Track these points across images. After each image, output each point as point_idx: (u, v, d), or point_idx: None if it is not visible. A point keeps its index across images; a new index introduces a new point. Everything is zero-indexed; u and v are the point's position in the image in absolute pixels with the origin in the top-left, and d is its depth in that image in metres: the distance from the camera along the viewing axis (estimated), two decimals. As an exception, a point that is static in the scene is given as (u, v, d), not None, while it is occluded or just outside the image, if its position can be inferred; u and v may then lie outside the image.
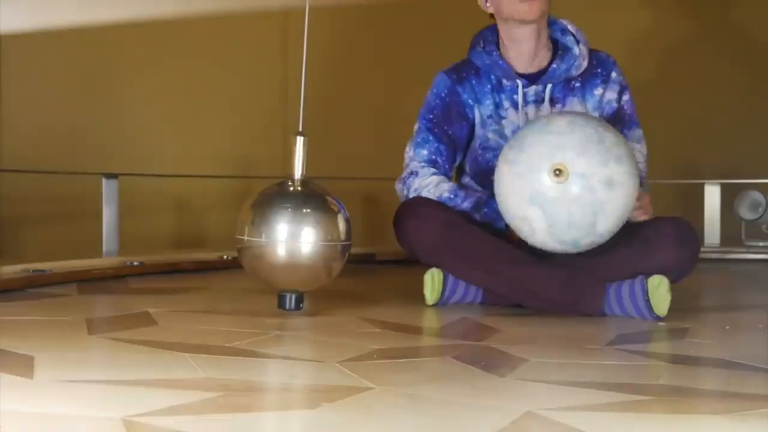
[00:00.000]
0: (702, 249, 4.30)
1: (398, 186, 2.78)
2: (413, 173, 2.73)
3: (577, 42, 2.72)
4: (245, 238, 2.23)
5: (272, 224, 2.20)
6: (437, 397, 1.54)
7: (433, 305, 2.59)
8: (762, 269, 4.08)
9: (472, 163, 2.78)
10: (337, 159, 4.25)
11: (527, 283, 2.54)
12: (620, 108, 2.74)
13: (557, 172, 2.32)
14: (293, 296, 2.27)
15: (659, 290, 2.41)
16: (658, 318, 2.39)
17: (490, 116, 2.73)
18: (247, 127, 4.50)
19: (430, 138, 2.74)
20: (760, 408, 1.49)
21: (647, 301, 2.40)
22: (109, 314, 2.57)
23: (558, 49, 2.73)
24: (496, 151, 2.68)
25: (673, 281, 2.47)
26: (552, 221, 2.36)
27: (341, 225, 2.25)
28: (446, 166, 2.75)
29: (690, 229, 2.61)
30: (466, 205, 2.66)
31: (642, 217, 2.55)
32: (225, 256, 3.60)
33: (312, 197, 2.26)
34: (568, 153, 2.33)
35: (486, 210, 2.65)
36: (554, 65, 2.70)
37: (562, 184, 2.33)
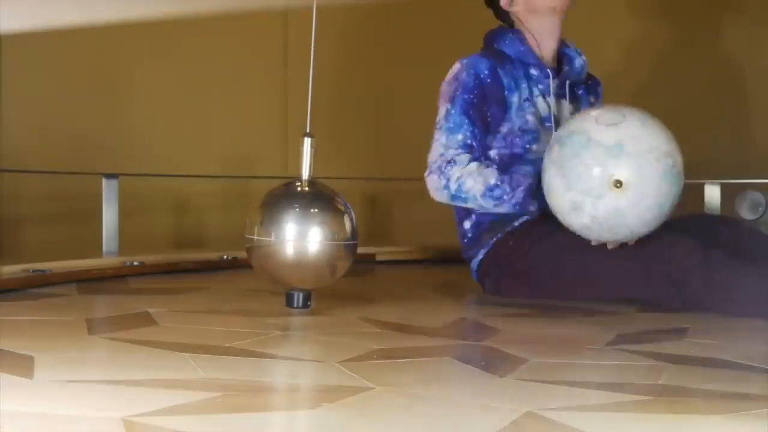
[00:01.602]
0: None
1: (432, 177, 2.70)
2: (450, 162, 2.67)
3: (578, 52, 2.87)
4: (254, 237, 2.27)
5: (280, 224, 2.24)
6: (437, 397, 1.54)
7: None
8: (762, 269, 4.07)
9: (509, 146, 2.76)
10: (337, 159, 4.25)
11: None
12: None
13: (618, 185, 2.37)
14: (301, 294, 2.31)
15: None
16: None
17: (527, 99, 2.77)
18: (248, 127, 4.50)
19: (465, 121, 2.69)
20: (760, 408, 1.49)
21: None
22: (109, 314, 2.57)
23: (561, 57, 2.87)
24: (535, 134, 2.76)
25: None
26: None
27: (348, 225, 2.29)
28: (480, 150, 2.71)
29: None
30: (518, 193, 2.64)
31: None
32: (225, 256, 3.60)
33: (319, 197, 2.29)
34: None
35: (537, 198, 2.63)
36: (573, 61, 2.83)
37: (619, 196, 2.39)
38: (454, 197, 2.68)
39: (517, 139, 2.74)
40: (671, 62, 5.02)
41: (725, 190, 4.50)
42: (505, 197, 2.65)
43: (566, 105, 2.80)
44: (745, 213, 4.43)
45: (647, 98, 4.84)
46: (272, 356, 1.89)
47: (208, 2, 4.27)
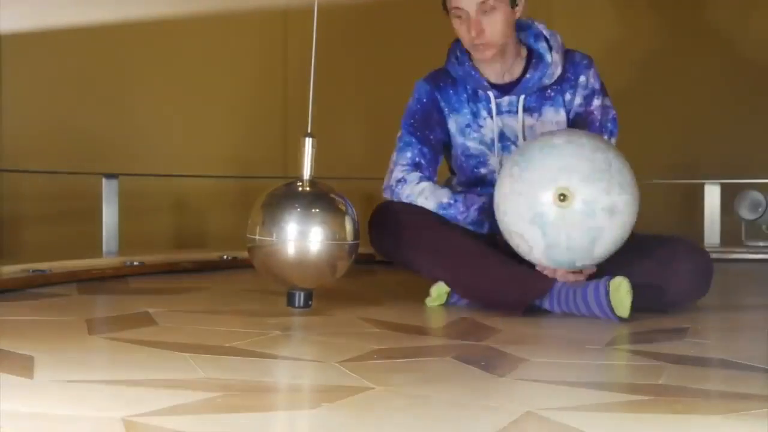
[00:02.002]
0: (702, 249, 4.32)
1: (386, 194, 2.76)
2: (401, 180, 2.72)
3: (550, 48, 2.68)
4: (256, 237, 2.28)
5: (282, 224, 2.25)
6: (437, 397, 1.55)
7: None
8: (762, 269, 4.08)
9: (459, 170, 2.79)
10: (336, 159, 4.25)
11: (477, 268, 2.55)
12: (588, 112, 2.70)
13: (561, 197, 2.33)
14: (302, 294, 2.31)
15: (619, 292, 2.37)
16: (621, 319, 2.36)
17: (468, 125, 2.73)
18: (247, 127, 4.50)
19: (413, 141, 2.74)
20: (760, 408, 1.49)
21: (609, 302, 2.37)
22: (109, 314, 2.57)
23: (532, 57, 2.69)
24: (480, 158, 2.72)
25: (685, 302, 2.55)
26: (550, 242, 2.37)
27: (348, 224, 2.29)
28: (430, 169, 2.75)
29: (707, 261, 2.63)
30: (472, 213, 2.66)
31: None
32: (225, 256, 3.60)
33: (320, 197, 2.30)
34: (573, 177, 2.33)
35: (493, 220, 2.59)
36: (527, 75, 2.67)
37: (565, 208, 2.33)
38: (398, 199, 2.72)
39: (464, 164, 2.75)
40: (669, 62, 5.02)
41: (725, 189, 4.50)
42: (459, 216, 2.67)
43: (520, 120, 2.67)
44: (745, 213, 4.43)
45: (647, 98, 4.84)
46: (272, 356, 1.89)
47: (208, 2, 4.27)
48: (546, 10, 4.30)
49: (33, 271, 2.93)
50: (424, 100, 2.77)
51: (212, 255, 3.63)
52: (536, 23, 2.72)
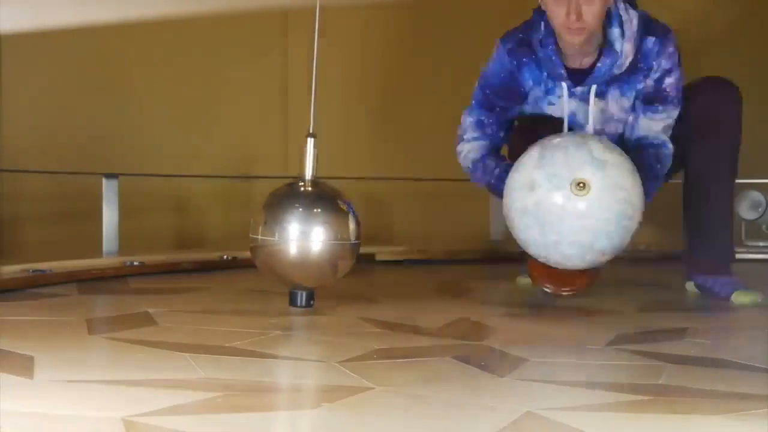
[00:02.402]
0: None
1: (456, 149, 2.89)
2: (461, 138, 2.85)
3: (623, 34, 2.63)
4: (259, 237, 2.29)
5: (284, 224, 2.27)
6: (437, 397, 1.55)
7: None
8: (762, 269, 4.07)
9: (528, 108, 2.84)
10: (335, 159, 4.25)
11: None
12: (660, 90, 2.72)
13: (580, 186, 2.36)
14: (304, 294, 2.33)
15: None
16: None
17: (539, 101, 2.77)
18: (247, 127, 4.50)
19: (482, 108, 2.82)
20: (759, 408, 1.49)
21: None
22: (109, 314, 2.57)
23: (605, 42, 2.65)
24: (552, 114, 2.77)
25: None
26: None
27: (351, 224, 2.32)
28: (494, 128, 2.82)
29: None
30: (478, 174, 2.79)
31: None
32: (225, 256, 3.60)
33: (322, 197, 2.32)
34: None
35: (493, 181, 2.74)
36: (599, 64, 2.65)
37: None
38: (463, 168, 2.86)
39: (535, 105, 2.81)
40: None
41: (725, 189, 4.49)
42: (481, 181, 2.80)
43: (590, 109, 2.69)
44: (746, 213, 4.43)
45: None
46: (272, 356, 1.89)
47: (209, 2, 4.27)
48: None
49: (33, 271, 2.93)
50: (501, 75, 2.78)
51: (212, 255, 3.62)
52: (617, 3, 2.65)
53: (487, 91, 2.80)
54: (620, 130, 2.79)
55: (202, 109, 4.34)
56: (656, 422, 1.42)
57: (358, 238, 2.33)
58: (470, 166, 2.81)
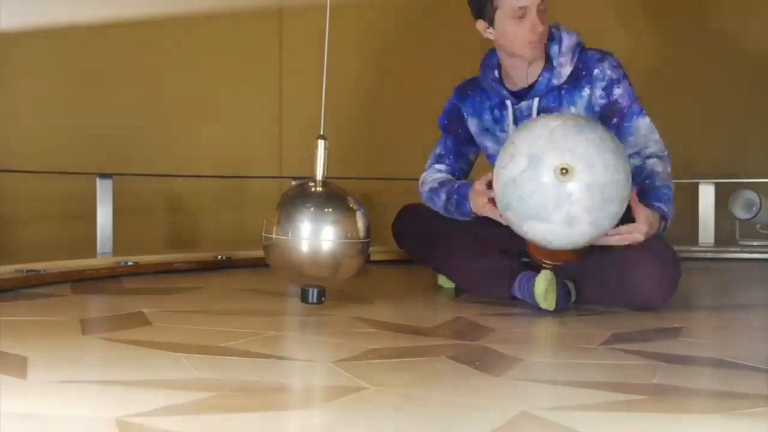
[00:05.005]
0: (696, 248, 4.34)
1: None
2: (426, 168, 3.02)
3: (559, 50, 2.76)
4: (273, 236, 2.37)
5: (296, 223, 2.35)
6: (431, 397, 1.55)
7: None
8: (756, 268, 4.08)
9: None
10: (334, 159, 4.24)
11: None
12: (613, 102, 2.74)
13: (563, 171, 2.35)
14: (315, 290, 2.39)
15: (539, 287, 2.51)
16: (548, 310, 2.49)
17: (487, 129, 2.89)
18: (242, 127, 4.49)
19: (442, 135, 3.01)
20: (753, 407, 1.49)
21: (533, 294, 2.53)
22: (103, 314, 2.57)
23: (547, 59, 2.77)
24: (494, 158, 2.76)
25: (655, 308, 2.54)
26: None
27: (360, 223, 2.40)
28: (450, 158, 2.99)
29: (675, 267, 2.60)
30: (442, 195, 2.87)
31: (613, 241, 2.55)
32: (219, 256, 3.60)
33: (332, 197, 2.41)
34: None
35: (456, 197, 2.82)
36: (540, 78, 2.76)
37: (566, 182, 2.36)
38: (422, 197, 2.99)
39: (490, 163, 2.90)
40: (664, 63, 5.03)
41: (719, 189, 4.51)
42: (439, 204, 2.89)
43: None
44: (739, 212, 4.44)
45: (640, 99, 4.83)
46: (266, 356, 1.89)
47: (203, 2, 4.27)
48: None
49: (27, 271, 2.92)
50: (449, 108, 3.00)
51: (206, 255, 3.62)
52: (556, 26, 2.79)
53: (442, 129, 3.02)
54: None
55: (196, 108, 4.34)
56: (650, 421, 1.42)
57: (367, 236, 2.41)
58: (428, 191, 2.93)
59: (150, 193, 4.19)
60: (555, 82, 2.75)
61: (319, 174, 2.42)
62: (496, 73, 2.83)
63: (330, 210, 2.37)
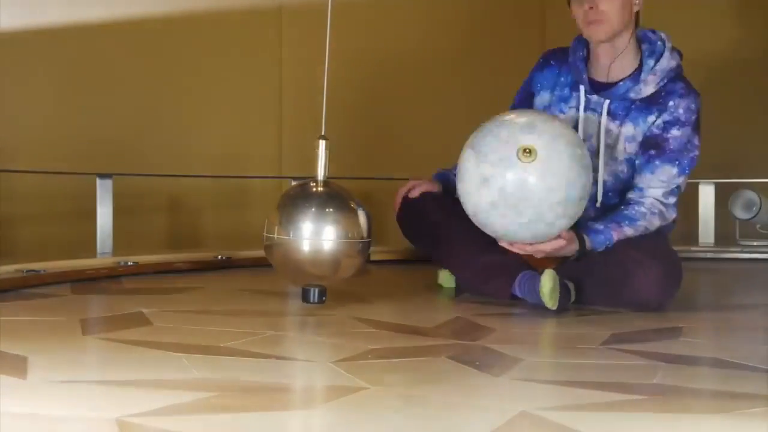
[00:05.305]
0: (696, 248, 4.33)
1: None
2: None
3: (653, 67, 2.72)
4: (275, 236, 2.39)
5: (297, 223, 2.36)
6: (431, 397, 1.54)
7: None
8: (756, 269, 4.08)
9: None
10: (334, 158, 4.24)
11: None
12: (664, 138, 2.71)
13: (527, 152, 2.40)
14: (316, 290, 2.39)
15: (545, 287, 2.49)
16: (550, 309, 2.48)
17: (549, 106, 2.84)
18: (242, 127, 4.49)
19: (517, 96, 2.96)
20: (753, 407, 1.49)
21: (539, 293, 2.51)
22: (103, 314, 2.57)
23: (638, 66, 2.75)
24: None
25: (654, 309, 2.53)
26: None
27: (361, 223, 2.41)
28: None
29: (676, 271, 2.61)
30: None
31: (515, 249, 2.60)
32: (219, 256, 3.59)
33: (333, 197, 2.42)
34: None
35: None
36: (620, 83, 2.73)
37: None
38: None
39: None
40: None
41: (719, 189, 4.50)
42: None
43: (598, 121, 2.75)
44: (739, 212, 4.43)
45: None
46: (266, 356, 1.89)
47: (203, 3, 4.27)
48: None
49: (27, 271, 2.92)
50: (531, 75, 2.94)
51: (206, 255, 3.62)
52: (663, 41, 2.76)
53: (522, 86, 2.96)
54: (626, 173, 2.77)
55: (196, 108, 4.34)
56: (650, 421, 1.42)
57: (368, 236, 2.42)
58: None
59: (150, 193, 4.19)
60: (632, 95, 2.72)
61: (321, 174, 2.43)
62: (585, 52, 2.81)
63: (331, 210, 2.38)
